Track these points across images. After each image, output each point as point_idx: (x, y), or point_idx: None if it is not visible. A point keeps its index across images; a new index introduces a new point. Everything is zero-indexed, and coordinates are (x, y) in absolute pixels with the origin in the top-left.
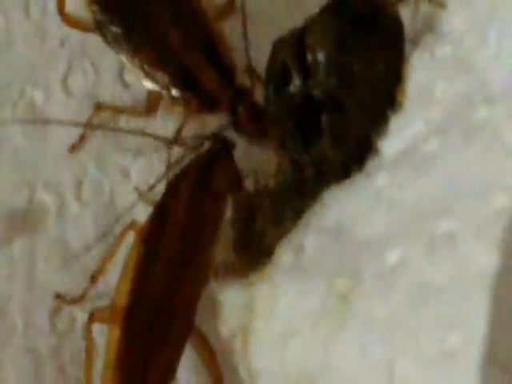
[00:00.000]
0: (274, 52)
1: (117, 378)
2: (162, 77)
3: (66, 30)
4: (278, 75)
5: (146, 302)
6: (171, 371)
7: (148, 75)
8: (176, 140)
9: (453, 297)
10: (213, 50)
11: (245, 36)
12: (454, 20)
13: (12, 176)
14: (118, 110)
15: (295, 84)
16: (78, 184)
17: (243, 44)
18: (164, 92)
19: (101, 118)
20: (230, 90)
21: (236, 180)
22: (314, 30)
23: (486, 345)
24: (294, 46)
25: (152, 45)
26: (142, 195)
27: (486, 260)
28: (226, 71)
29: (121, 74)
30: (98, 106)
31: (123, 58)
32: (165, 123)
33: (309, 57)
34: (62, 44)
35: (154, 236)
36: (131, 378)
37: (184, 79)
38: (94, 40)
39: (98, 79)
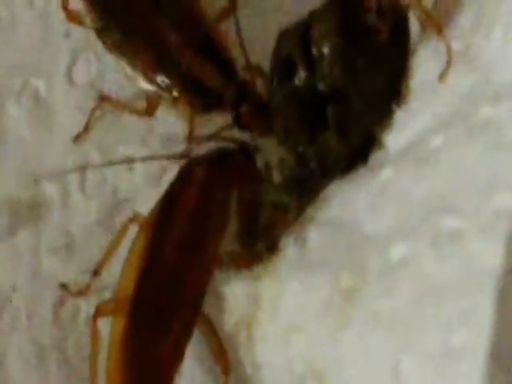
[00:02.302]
0: (278, 44)
1: (123, 366)
2: (163, 79)
3: None
4: (283, 68)
5: (152, 291)
6: (178, 360)
7: (149, 78)
8: (187, 154)
9: (458, 294)
10: (212, 48)
11: (238, 32)
12: (460, 16)
13: (16, 166)
14: (121, 106)
15: (300, 77)
16: (82, 175)
17: (240, 40)
18: (165, 94)
19: (104, 109)
20: (231, 87)
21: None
22: (319, 23)
23: (490, 343)
24: (298, 38)
25: (151, 48)
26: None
27: (490, 257)
28: (226, 68)
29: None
30: (102, 98)
31: (124, 62)
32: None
33: (314, 50)
34: (66, 35)
35: (162, 223)
36: (137, 366)
37: (185, 80)
38: None
39: (101, 70)
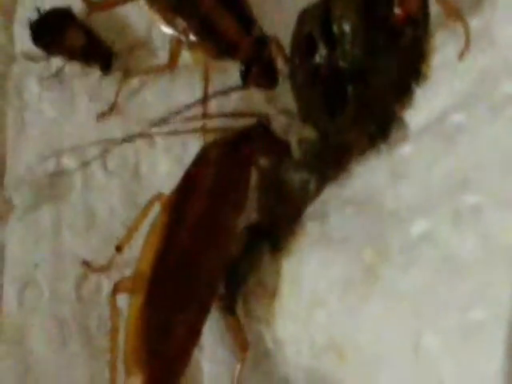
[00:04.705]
0: (299, 23)
1: (140, 343)
2: (181, 22)
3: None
4: (303, 46)
5: (170, 269)
6: (195, 337)
7: (167, 21)
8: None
9: (478, 270)
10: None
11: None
12: None
13: (39, 144)
14: (145, 72)
15: (321, 55)
16: (104, 153)
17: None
18: (183, 38)
19: (129, 86)
20: (247, 40)
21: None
22: (340, 2)
23: (510, 318)
24: (319, 17)
25: None
26: None
27: (510, 233)
28: (244, 21)
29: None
30: (126, 73)
31: (143, 4)
32: (190, 88)
33: (334, 28)
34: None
35: (180, 203)
36: (154, 343)
37: (202, 25)
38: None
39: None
